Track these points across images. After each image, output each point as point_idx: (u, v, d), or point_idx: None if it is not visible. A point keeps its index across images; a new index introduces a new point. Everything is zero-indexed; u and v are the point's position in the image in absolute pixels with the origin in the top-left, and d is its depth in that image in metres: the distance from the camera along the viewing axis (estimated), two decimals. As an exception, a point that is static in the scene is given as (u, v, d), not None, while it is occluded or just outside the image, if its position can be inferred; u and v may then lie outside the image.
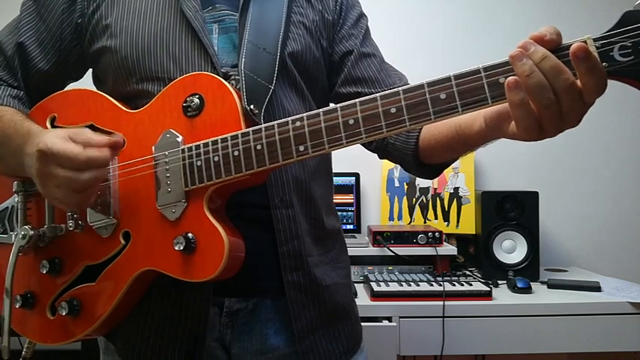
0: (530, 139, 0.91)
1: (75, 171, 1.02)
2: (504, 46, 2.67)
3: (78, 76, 1.39)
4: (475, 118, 1.05)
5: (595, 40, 0.82)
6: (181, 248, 1.05)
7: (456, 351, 2.18)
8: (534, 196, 2.62)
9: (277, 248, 1.21)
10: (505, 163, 3.00)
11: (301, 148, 1.01)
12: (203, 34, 1.21)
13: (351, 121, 0.98)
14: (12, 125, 1.17)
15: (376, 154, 1.41)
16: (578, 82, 0.83)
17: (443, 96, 0.91)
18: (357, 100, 0.98)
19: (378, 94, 0.97)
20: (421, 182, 2.92)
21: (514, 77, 0.85)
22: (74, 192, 1.04)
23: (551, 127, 0.87)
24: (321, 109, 1.01)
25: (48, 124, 1.24)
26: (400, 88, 0.95)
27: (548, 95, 0.84)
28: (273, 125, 1.03)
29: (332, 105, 1.02)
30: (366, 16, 1.46)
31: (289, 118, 1.03)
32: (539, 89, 0.84)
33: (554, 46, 0.85)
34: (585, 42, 0.82)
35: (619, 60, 0.81)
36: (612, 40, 0.82)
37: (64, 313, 1.15)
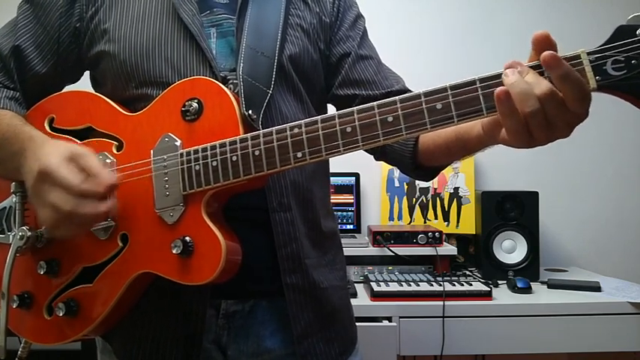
0: (521, 147, 0.93)
1: (65, 195, 1.02)
2: (504, 46, 2.70)
3: (75, 79, 1.39)
4: (474, 124, 1.06)
5: (589, 53, 0.84)
6: (179, 252, 1.06)
7: (456, 351, 2.18)
8: (534, 196, 2.62)
9: (275, 251, 1.21)
10: (505, 163, 3.00)
11: (299, 154, 1.02)
12: (201, 38, 1.21)
13: (349, 129, 0.98)
14: (11, 129, 1.17)
15: (373, 155, 1.41)
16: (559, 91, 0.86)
17: (439, 106, 0.92)
18: (354, 108, 0.99)
19: (375, 103, 0.97)
20: (421, 182, 2.91)
21: (503, 88, 0.87)
22: (57, 218, 1.04)
23: (540, 135, 0.89)
24: (319, 117, 1.01)
25: (46, 126, 1.24)
26: (397, 98, 0.96)
27: (533, 103, 0.86)
28: (272, 131, 1.04)
29: (330, 112, 1.03)
30: (363, 18, 1.46)
31: (287, 125, 1.03)
32: (524, 97, 0.86)
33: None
34: (579, 55, 0.85)
35: (612, 74, 0.83)
36: (605, 54, 0.83)
37: (61, 314, 1.15)
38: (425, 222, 2.92)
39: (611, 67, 0.83)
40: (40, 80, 1.30)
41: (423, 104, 0.93)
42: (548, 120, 0.87)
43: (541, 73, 0.87)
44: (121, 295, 1.13)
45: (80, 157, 1.05)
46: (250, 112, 1.11)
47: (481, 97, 0.90)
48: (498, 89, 0.87)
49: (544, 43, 0.87)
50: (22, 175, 1.11)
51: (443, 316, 2.15)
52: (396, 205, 2.95)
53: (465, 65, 2.99)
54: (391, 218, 2.94)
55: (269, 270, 1.22)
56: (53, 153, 1.06)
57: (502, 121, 0.90)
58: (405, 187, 2.95)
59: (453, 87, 0.92)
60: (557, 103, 0.86)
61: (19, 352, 1.28)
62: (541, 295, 2.36)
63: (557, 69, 0.84)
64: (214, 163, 1.07)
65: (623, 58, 0.82)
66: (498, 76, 0.89)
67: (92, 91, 1.30)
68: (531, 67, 0.89)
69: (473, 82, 0.90)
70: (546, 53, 0.84)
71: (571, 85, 0.84)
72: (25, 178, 1.10)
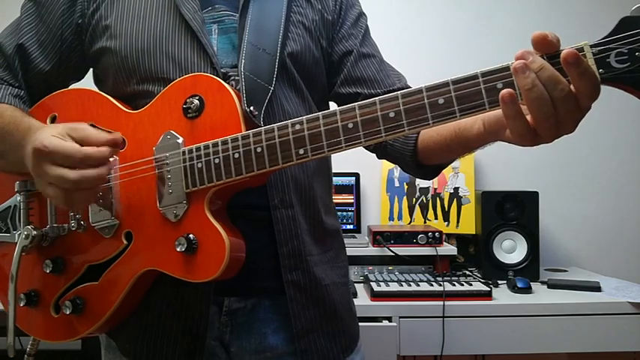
0: (525, 145, 0.93)
1: (66, 169, 1.02)
2: (506, 45, 2.70)
3: (79, 76, 1.39)
4: (474, 121, 1.06)
5: (592, 46, 0.83)
6: (183, 249, 1.06)
7: (456, 351, 2.18)
8: (534, 196, 2.62)
9: (277, 248, 1.21)
10: (505, 163, 3.00)
11: (301, 151, 1.02)
12: (202, 34, 1.21)
13: (351, 125, 0.98)
14: (12, 121, 1.18)
15: (375, 154, 1.41)
16: (573, 88, 0.85)
17: (441, 101, 0.92)
18: (356, 104, 0.99)
19: (377, 99, 0.97)
20: (421, 182, 2.92)
21: (508, 90, 0.86)
22: (66, 191, 1.04)
23: (547, 134, 0.89)
24: (320, 113, 1.01)
25: (48, 124, 1.24)
26: (399, 93, 0.95)
27: (547, 108, 0.85)
28: (273, 128, 1.04)
29: (331, 109, 1.03)
30: (365, 16, 1.46)
31: (289, 122, 1.03)
32: (540, 102, 0.85)
33: (553, 50, 0.86)
34: (582, 48, 0.83)
35: (615, 67, 0.82)
36: (609, 46, 0.82)
37: (68, 312, 1.16)
38: (425, 222, 2.92)
39: (614, 60, 0.82)
40: (44, 78, 1.31)
41: (425, 99, 0.93)
42: (559, 120, 0.87)
43: (553, 64, 0.86)
44: (127, 292, 1.14)
45: (74, 130, 1.06)
46: (252, 108, 1.11)
47: (483, 92, 0.89)
48: (504, 92, 0.86)
49: (542, 43, 0.86)
50: (25, 166, 1.11)
51: (443, 316, 2.15)
52: (396, 205, 2.95)
53: (467, 64, 2.98)
54: (391, 218, 2.94)
55: (271, 267, 1.22)
56: (46, 133, 1.06)
57: (506, 122, 0.90)
58: (405, 187, 2.95)
59: (455, 81, 0.91)
60: (572, 104, 0.85)
61: (27, 349, 1.29)
62: (541, 295, 2.35)
63: (578, 66, 0.82)
64: (216, 161, 1.07)
65: (626, 51, 0.81)
66: (500, 70, 0.89)
67: (95, 89, 1.30)
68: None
69: (475, 77, 0.90)
70: (566, 51, 0.82)
71: (588, 82, 0.83)
72: (27, 165, 1.09)
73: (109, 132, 1.15)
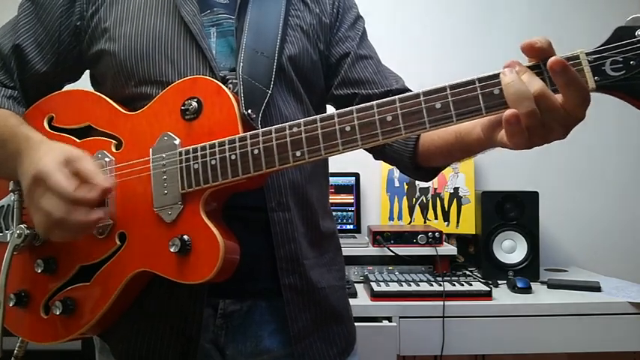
0: (517, 149, 0.93)
1: (56, 204, 1.01)
2: (506, 45, 2.69)
3: (75, 78, 1.39)
4: (474, 125, 1.06)
5: (587, 54, 0.85)
6: (176, 250, 1.06)
7: (456, 351, 2.18)
8: (534, 196, 2.62)
9: (273, 251, 1.21)
10: (505, 163, 2.99)
11: (298, 153, 1.02)
12: (201, 37, 1.21)
13: (348, 128, 0.98)
14: (8, 130, 1.17)
15: (372, 154, 1.41)
16: (559, 96, 0.86)
17: (438, 105, 0.92)
18: (353, 107, 0.99)
19: (374, 102, 0.97)
20: (421, 182, 2.91)
21: (512, 111, 0.87)
22: (48, 224, 1.03)
23: (535, 136, 0.89)
24: (318, 116, 1.01)
25: (46, 125, 1.24)
26: (396, 97, 0.96)
27: (528, 103, 0.86)
28: (271, 130, 1.04)
29: (329, 112, 1.03)
30: (362, 18, 1.46)
31: (286, 124, 1.03)
32: (519, 96, 0.86)
33: (545, 55, 0.87)
34: (578, 56, 0.85)
35: (611, 74, 0.84)
36: (604, 54, 0.84)
37: (58, 313, 1.15)
38: (425, 222, 2.92)
39: (609, 68, 0.84)
40: (40, 79, 1.30)
41: (422, 103, 0.94)
42: (543, 121, 0.87)
43: (538, 74, 0.88)
44: (119, 293, 1.13)
45: (75, 161, 1.05)
46: (250, 111, 1.11)
47: (480, 97, 0.90)
48: (508, 113, 0.87)
49: (532, 50, 0.88)
50: (20, 177, 1.10)
51: (443, 316, 2.15)
52: (396, 205, 2.94)
53: (466, 65, 2.98)
54: (391, 218, 2.93)
55: (268, 270, 1.22)
56: (48, 156, 1.05)
57: (507, 134, 0.91)
58: (405, 187, 2.95)
59: (453, 87, 0.92)
60: (550, 103, 0.86)
61: (15, 351, 1.28)
62: (541, 295, 2.35)
63: (564, 75, 0.84)
64: (213, 162, 1.07)
65: (621, 59, 0.83)
66: (497, 75, 0.90)
67: (92, 89, 1.30)
68: (529, 67, 0.89)
69: (472, 82, 0.91)
70: (553, 59, 0.84)
71: (575, 91, 0.85)
72: (21, 181, 1.09)
73: (107, 134, 1.17)
